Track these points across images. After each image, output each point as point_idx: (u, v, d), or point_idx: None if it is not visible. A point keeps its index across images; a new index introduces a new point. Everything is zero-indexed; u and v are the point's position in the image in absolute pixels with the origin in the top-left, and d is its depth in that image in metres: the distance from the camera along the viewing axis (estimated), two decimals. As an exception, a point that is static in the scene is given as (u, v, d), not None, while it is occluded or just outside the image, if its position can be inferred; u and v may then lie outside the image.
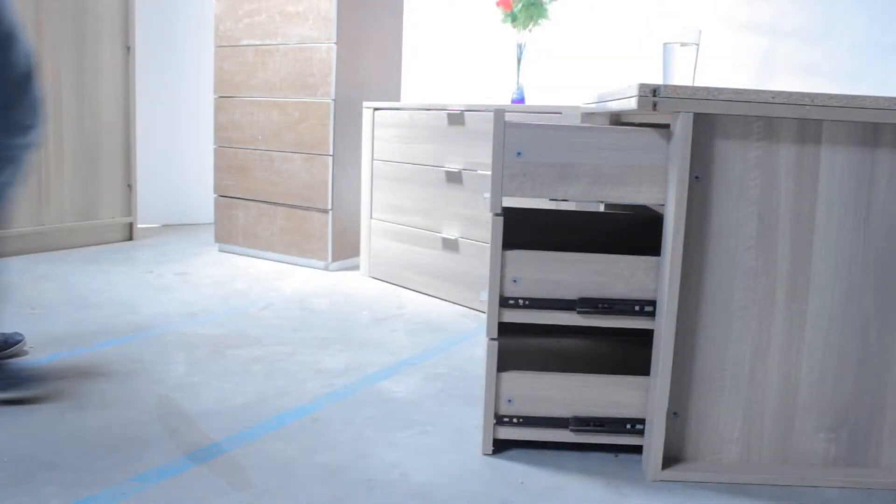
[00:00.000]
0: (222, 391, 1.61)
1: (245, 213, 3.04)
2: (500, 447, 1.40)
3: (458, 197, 2.43)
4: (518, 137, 1.28)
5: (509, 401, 1.36)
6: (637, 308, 1.32)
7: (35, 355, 1.79)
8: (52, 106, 2.97)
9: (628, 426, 1.35)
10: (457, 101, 3.11)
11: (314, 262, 2.91)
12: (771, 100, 1.22)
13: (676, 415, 1.32)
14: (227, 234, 3.11)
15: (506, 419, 1.36)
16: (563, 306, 1.33)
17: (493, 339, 1.35)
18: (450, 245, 2.47)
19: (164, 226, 3.78)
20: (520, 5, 2.45)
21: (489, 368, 1.35)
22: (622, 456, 1.39)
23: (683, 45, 1.55)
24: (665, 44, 1.58)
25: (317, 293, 2.52)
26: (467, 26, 3.05)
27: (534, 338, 1.81)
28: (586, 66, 2.75)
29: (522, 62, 2.62)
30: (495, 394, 1.36)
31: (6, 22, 1.42)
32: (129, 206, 3.29)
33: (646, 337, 1.81)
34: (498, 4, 2.49)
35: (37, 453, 1.30)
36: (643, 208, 1.78)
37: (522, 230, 1.68)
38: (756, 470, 1.31)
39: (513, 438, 1.37)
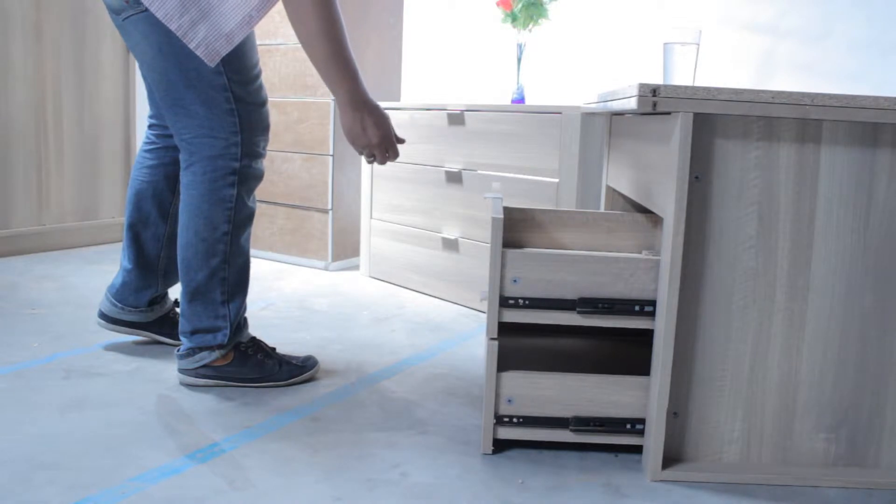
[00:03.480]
0: (222, 391, 1.61)
1: (245, 213, 3.04)
2: (500, 447, 1.40)
3: (458, 197, 2.43)
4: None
5: (509, 401, 1.36)
6: (637, 308, 1.32)
7: (35, 355, 1.79)
8: (52, 106, 2.97)
9: (628, 426, 1.35)
10: (457, 101, 3.11)
11: (314, 262, 2.91)
12: (771, 100, 1.22)
13: (676, 415, 1.32)
14: (227, 234, 3.11)
15: (506, 419, 1.36)
16: (564, 306, 1.33)
17: (493, 339, 1.35)
18: (450, 245, 2.47)
19: (164, 226, 3.77)
20: (520, 5, 2.45)
21: (489, 368, 1.35)
22: (622, 456, 1.39)
23: (683, 45, 1.55)
24: (665, 44, 1.58)
25: (317, 293, 2.52)
26: (467, 26, 3.05)
27: (534, 338, 1.81)
28: (586, 66, 2.75)
29: (522, 62, 2.62)
30: (495, 394, 1.36)
31: None
32: (129, 206, 3.29)
33: (646, 337, 1.82)
34: (498, 4, 2.49)
35: (37, 453, 1.30)
36: (643, 208, 1.78)
37: (522, 230, 1.68)
38: (756, 470, 1.31)
39: (513, 438, 1.37)
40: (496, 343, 1.36)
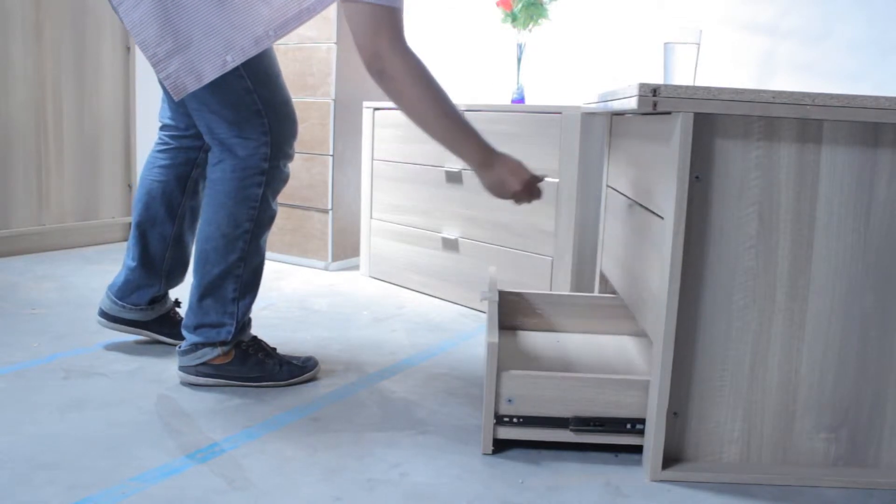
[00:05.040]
0: (222, 391, 1.61)
1: (245, 213, 3.04)
2: (500, 447, 1.40)
3: (458, 197, 2.43)
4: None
5: (509, 401, 1.36)
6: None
7: (35, 355, 1.79)
8: (52, 106, 2.97)
9: (628, 426, 1.35)
10: (457, 101, 3.11)
11: (314, 262, 2.91)
12: (771, 100, 1.22)
13: (676, 415, 1.32)
14: (227, 234, 3.11)
15: (506, 419, 1.36)
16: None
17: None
18: (450, 245, 2.47)
19: (164, 226, 3.77)
20: (520, 5, 2.45)
21: (489, 368, 1.35)
22: (622, 456, 1.39)
23: (684, 44, 1.55)
24: (665, 44, 1.58)
25: (317, 293, 2.52)
26: (467, 26, 3.05)
27: (534, 338, 1.81)
28: (586, 66, 2.75)
29: (522, 62, 2.62)
30: (495, 394, 1.36)
31: None
32: (128, 206, 3.29)
33: (645, 337, 1.81)
34: (498, 4, 2.49)
35: (37, 453, 1.30)
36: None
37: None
38: (756, 470, 1.31)
39: (513, 438, 1.37)
40: (496, 344, 1.36)
